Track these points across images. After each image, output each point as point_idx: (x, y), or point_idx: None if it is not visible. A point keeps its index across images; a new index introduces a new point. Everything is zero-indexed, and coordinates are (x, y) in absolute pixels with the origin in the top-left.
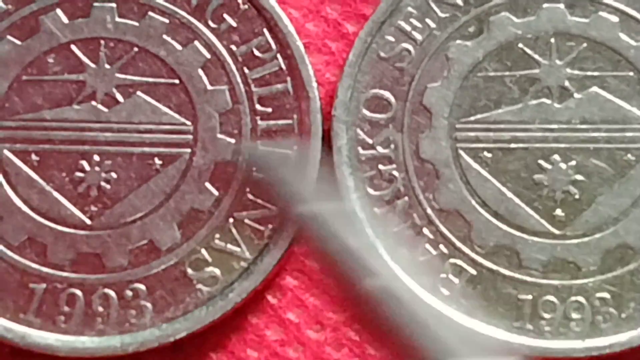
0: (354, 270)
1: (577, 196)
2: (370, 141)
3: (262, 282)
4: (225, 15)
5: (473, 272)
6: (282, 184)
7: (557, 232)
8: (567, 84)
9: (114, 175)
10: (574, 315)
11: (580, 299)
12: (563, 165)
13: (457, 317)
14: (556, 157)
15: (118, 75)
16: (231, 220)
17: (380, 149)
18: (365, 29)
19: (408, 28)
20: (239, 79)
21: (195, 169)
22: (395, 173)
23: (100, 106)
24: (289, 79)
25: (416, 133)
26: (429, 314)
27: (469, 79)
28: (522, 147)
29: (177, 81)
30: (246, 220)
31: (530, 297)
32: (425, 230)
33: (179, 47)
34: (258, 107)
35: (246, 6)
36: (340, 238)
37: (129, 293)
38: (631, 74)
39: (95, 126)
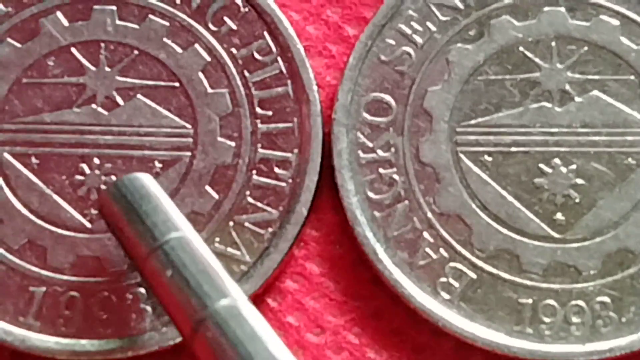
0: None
1: (577, 200)
2: (370, 145)
3: (262, 285)
4: (226, 18)
5: (473, 276)
6: None
7: (557, 236)
8: (567, 87)
9: (113, 178)
10: (574, 319)
11: (581, 303)
12: (563, 169)
13: (457, 320)
14: (557, 160)
15: (118, 78)
16: (231, 223)
17: (380, 152)
18: (366, 32)
19: (409, 31)
20: (239, 82)
21: (195, 172)
22: (395, 177)
23: (100, 109)
24: (289, 82)
25: (416, 137)
26: None
27: (470, 83)
28: (523, 151)
29: (177, 84)
30: (246, 224)
31: (530, 301)
32: (426, 234)
33: (179, 50)
34: (258, 110)
35: (246, 9)
36: None
37: (129, 296)
38: (632, 77)
39: (96, 129)
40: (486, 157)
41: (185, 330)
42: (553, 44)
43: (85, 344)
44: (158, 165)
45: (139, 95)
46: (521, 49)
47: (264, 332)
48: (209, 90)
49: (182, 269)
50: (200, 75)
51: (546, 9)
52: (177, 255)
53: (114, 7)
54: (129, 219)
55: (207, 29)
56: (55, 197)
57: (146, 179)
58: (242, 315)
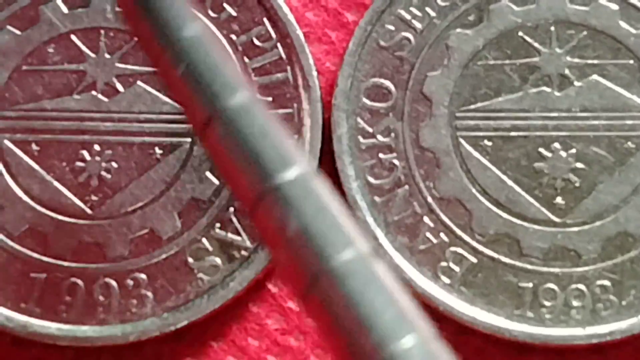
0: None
1: (577, 184)
2: (370, 130)
3: (263, 270)
4: (225, 5)
5: (474, 260)
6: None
7: (557, 220)
8: (567, 72)
9: (114, 164)
10: (575, 303)
11: (581, 286)
12: (563, 154)
13: (457, 305)
14: (556, 145)
15: (118, 65)
16: (232, 209)
17: (380, 137)
18: (365, 17)
19: (408, 17)
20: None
21: (195, 158)
22: (395, 162)
23: (100, 96)
24: (289, 68)
25: (416, 122)
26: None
27: (469, 68)
28: (523, 136)
29: None
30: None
31: (530, 285)
32: (426, 219)
33: None
34: (258, 96)
35: None
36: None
37: (130, 282)
38: (631, 62)
39: (96, 116)
40: (486, 142)
41: (197, 127)
42: (552, 28)
43: (86, 330)
44: (158, 151)
45: (139, 82)
46: (520, 33)
47: (273, 129)
48: None
49: (195, 65)
50: None
51: None
52: (191, 52)
53: None
54: (146, 14)
55: (207, 15)
56: (56, 183)
57: None
58: (256, 111)
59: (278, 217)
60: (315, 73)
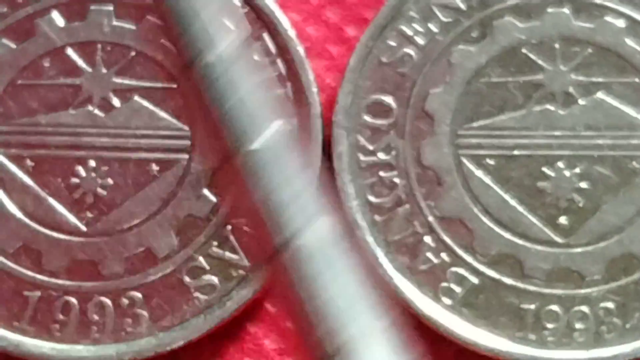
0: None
1: (581, 204)
2: (371, 147)
3: (261, 290)
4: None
5: (475, 281)
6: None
7: (560, 240)
8: (571, 89)
9: (110, 181)
10: (578, 325)
11: (584, 308)
12: (567, 173)
13: (458, 326)
14: (560, 164)
15: (115, 79)
16: (229, 227)
17: (381, 155)
18: (367, 33)
19: (410, 32)
20: None
21: (192, 175)
22: (396, 180)
23: (96, 111)
24: (288, 83)
25: (418, 139)
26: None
27: (472, 85)
28: (526, 154)
29: (174, 85)
30: (244, 228)
31: (533, 306)
32: (427, 238)
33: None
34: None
35: (245, 9)
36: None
37: (125, 301)
38: (637, 80)
39: (92, 131)
40: (488, 160)
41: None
42: (557, 45)
43: (80, 349)
44: (155, 168)
45: (135, 97)
46: (524, 50)
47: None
48: None
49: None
50: None
51: (550, 10)
52: None
53: (111, 7)
54: None
55: None
56: (51, 200)
57: None
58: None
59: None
60: (315, 89)
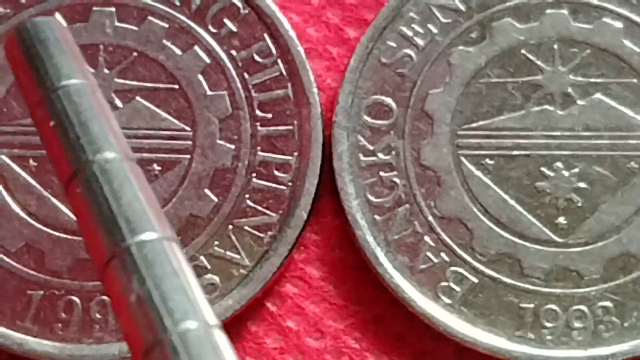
0: None
1: (579, 204)
2: (371, 148)
3: (262, 289)
4: (226, 20)
5: (474, 280)
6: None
7: (559, 240)
8: (570, 90)
9: None
10: (576, 324)
11: (583, 307)
12: (566, 173)
13: (458, 325)
14: (559, 164)
15: (117, 80)
16: (230, 227)
17: (381, 155)
18: (367, 34)
19: (410, 33)
20: (239, 85)
21: (194, 175)
22: (396, 180)
23: None
24: (289, 84)
25: (418, 140)
26: None
27: (471, 85)
28: (525, 154)
29: (176, 86)
30: (246, 227)
31: (532, 305)
32: (427, 238)
33: (178, 52)
34: (258, 112)
35: (247, 11)
36: None
37: None
38: (635, 80)
39: None
40: (488, 161)
41: (63, 180)
42: (555, 46)
43: (83, 348)
44: (157, 168)
45: (137, 98)
46: (523, 51)
47: (132, 190)
48: (209, 92)
49: (64, 119)
50: (200, 77)
51: (549, 11)
52: (63, 105)
53: (113, 9)
54: (27, 63)
55: (207, 30)
56: (53, 200)
57: (52, 24)
58: (116, 171)
59: (122, 281)
60: (315, 90)
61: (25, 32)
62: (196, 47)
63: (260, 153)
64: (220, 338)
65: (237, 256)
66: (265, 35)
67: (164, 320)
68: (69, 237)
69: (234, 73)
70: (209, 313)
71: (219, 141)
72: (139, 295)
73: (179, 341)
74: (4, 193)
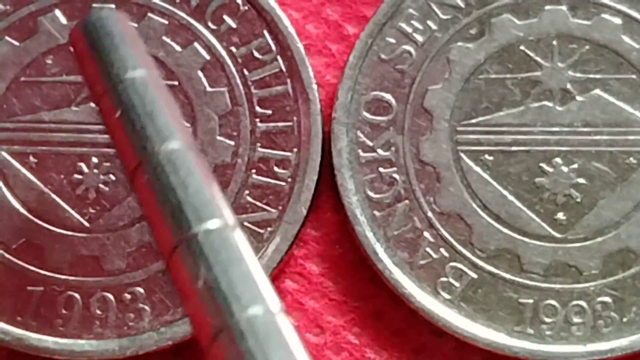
0: None
1: (578, 199)
2: (370, 144)
3: None
4: (225, 17)
5: (474, 275)
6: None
7: (558, 235)
8: (569, 86)
9: (112, 177)
10: (575, 320)
11: (582, 303)
12: (565, 169)
13: (457, 320)
14: (558, 160)
15: None
16: None
17: (380, 151)
18: (366, 30)
19: (409, 30)
20: (238, 81)
21: None
22: (395, 176)
23: None
24: (289, 80)
25: (417, 136)
26: None
27: (470, 82)
28: (524, 150)
29: (176, 83)
30: (245, 223)
31: (531, 301)
32: (426, 234)
33: (178, 48)
34: (258, 109)
35: (246, 7)
36: None
37: (127, 296)
38: (634, 76)
39: (94, 128)
40: (487, 157)
41: (128, 170)
42: (554, 42)
43: (83, 344)
44: None
45: None
46: (522, 47)
47: (197, 179)
48: (208, 89)
49: (130, 110)
50: (200, 73)
51: (547, 7)
52: (128, 96)
53: (113, 6)
54: (93, 56)
55: (207, 27)
56: (54, 196)
57: (115, 16)
58: (182, 161)
59: (189, 268)
60: (315, 86)
61: (90, 25)
62: (196, 44)
63: (259, 149)
64: (285, 323)
65: None
66: (265, 32)
67: (232, 306)
68: (69, 233)
69: (233, 69)
70: (274, 299)
71: (218, 137)
72: (206, 281)
73: (246, 326)
74: (4, 189)
